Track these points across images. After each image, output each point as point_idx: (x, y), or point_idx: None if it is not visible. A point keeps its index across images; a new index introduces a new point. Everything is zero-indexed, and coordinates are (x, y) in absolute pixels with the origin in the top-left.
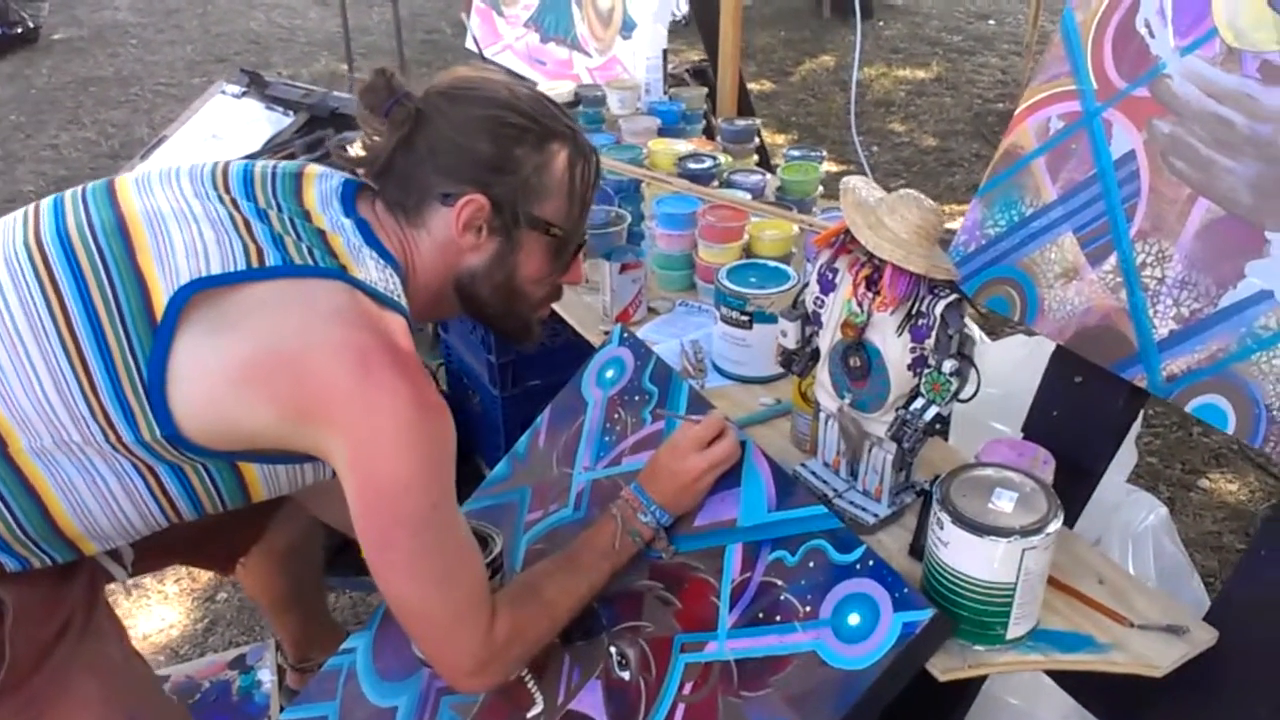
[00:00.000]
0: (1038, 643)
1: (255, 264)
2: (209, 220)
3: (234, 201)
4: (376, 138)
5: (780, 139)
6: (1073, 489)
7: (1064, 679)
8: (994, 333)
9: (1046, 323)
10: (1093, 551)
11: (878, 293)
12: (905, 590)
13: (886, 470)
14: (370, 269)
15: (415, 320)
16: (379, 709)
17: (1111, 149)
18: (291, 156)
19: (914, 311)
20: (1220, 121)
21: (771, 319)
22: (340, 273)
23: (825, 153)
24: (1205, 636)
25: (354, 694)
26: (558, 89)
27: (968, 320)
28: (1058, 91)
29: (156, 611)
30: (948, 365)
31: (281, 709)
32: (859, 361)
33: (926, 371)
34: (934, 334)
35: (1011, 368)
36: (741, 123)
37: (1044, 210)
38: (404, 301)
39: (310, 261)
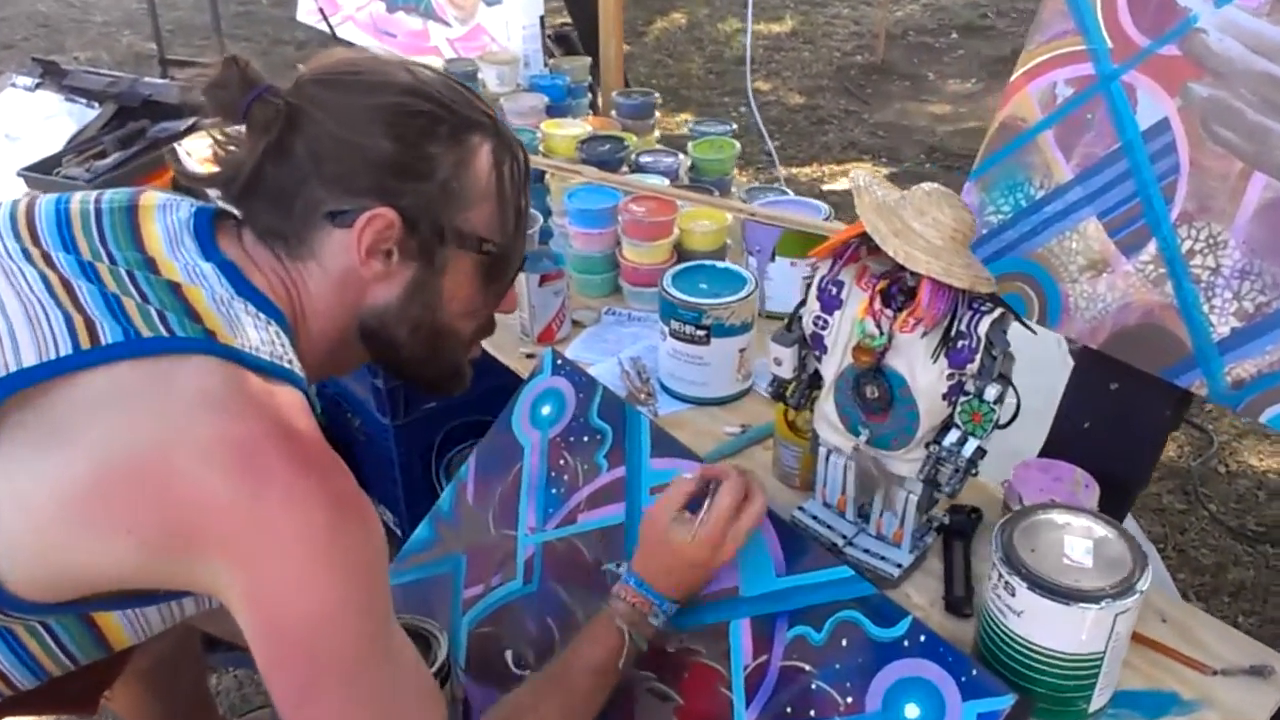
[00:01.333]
0: (1120, 710)
1: (86, 344)
2: (13, 290)
3: (46, 256)
4: (233, 148)
5: None
6: (1109, 512)
7: None
8: None
9: (1074, 323)
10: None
11: (900, 309)
12: (974, 672)
13: (910, 512)
14: (247, 329)
15: (310, 382)
16: None
17: (1138, 118)
18: (103, 155)
19: (952, 332)
20: (1271, 81)
21: (732, 331)
22: (207, 342)
23: (732, 126)
24: None
25: None
26: (421, 63)
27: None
28: (1063, 53)
29: None
30: (991, 391)
31: None
32: (877, 392)
33: (964, 400)
34: (978, 358)
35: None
36: (639, 96)
37: (1059, 192)
38: (296, 366)
39: (163, 331)
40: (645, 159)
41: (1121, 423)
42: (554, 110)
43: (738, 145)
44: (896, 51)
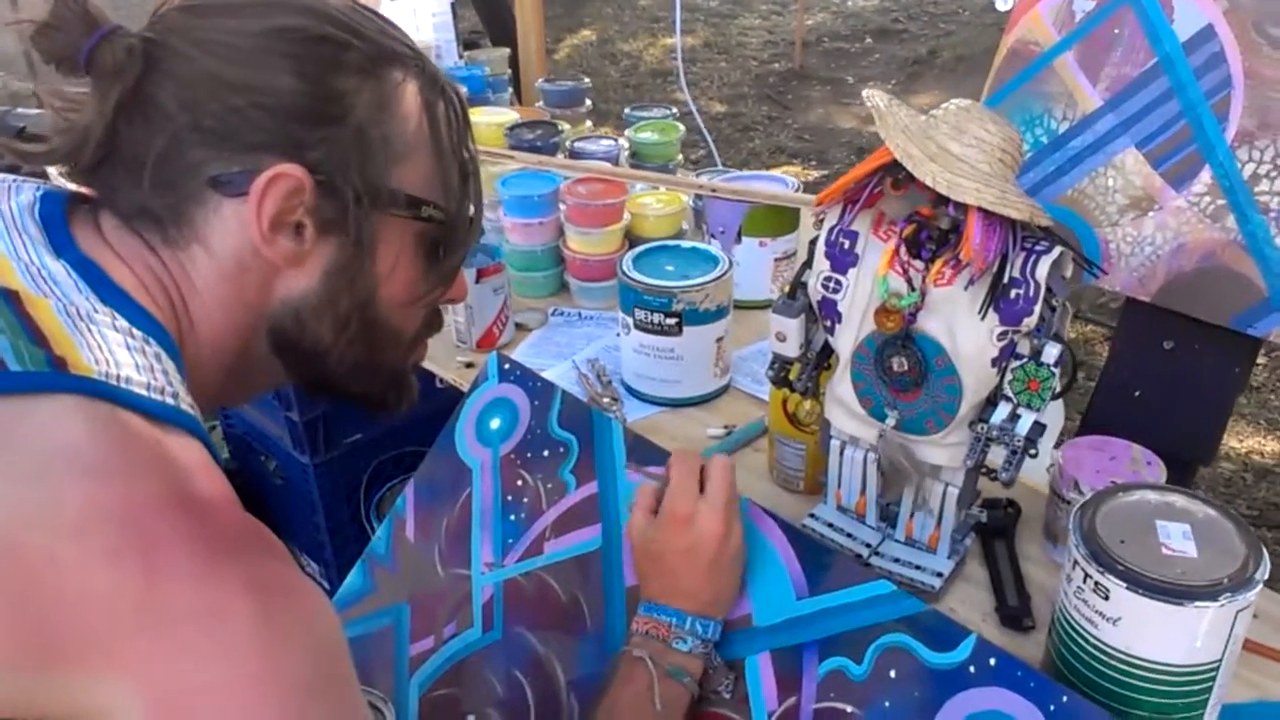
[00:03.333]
0: None
1: None
2: None
3: None
4: (73, 114)
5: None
6: None
7: None
8: None
9: (1119, 274)
10: None
11: (932, 259)
12: (1064, 699)
13: (949, 510)
14: (116, 352)
15: (205, 415)
16: None
17: (1175, 27)
18: None
19: (1004, 279)
20: None
21: (707, 318)
22: (60, 377)
23: (674, 109)
24: None
25: None
26: None
27: None
28: None
29: None
30: (1050, 351)
31: None
32: (906, 364)
33: (1017, 365)
34: (1037, 309)
35: None
36: (568, 83)
37: (1087, 122)
38: (185, 400)
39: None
40: (581, 144)
41: (1180, 387)
42: (473, 102)
43: (681, 128)
44: (813, 58)
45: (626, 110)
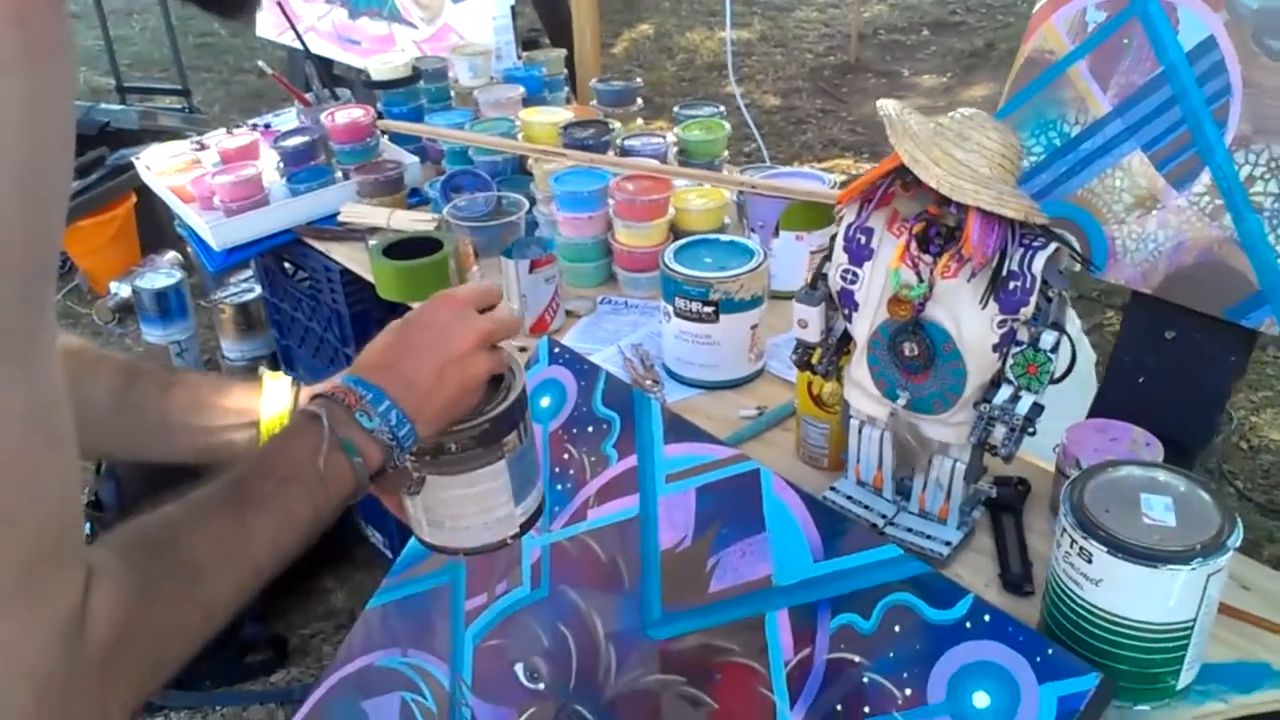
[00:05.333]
0: (1209, 685)
1: None
2: None
3: None
4: None
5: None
6: None
7: None
8: None
9: (1122, 268)
10: None
11: (940, 253)
12: (1050, 650)
13: (956, 484)
14: None
15: None
16: None
17: (1181, 38)
18: None
19: (1004, 272)
20: None
21: (742, 306)
22: None
23: (721, 107)
24: None
25: None
26: (391, 62)
27: None
28: None
29: None
30: (1047, 338)
31: None
32: (916, 349)
33: (1017, 350)
34: (1033, 300)
35: None
36: (620, 82)
37: (1097, 126)
38: None
39: None
40: (631, 142)
41: (1181, 374)
42: (530, 102)
43: (728, 126)
44: (869, 50)
45: (676, 108)
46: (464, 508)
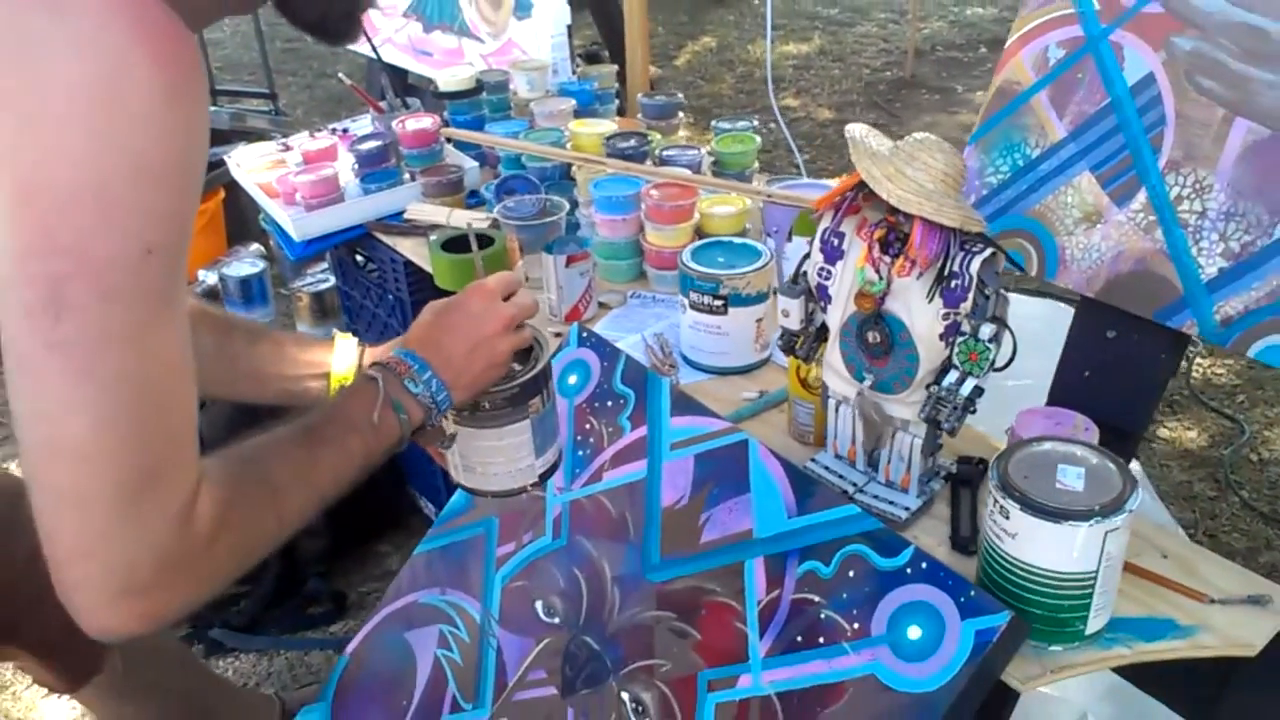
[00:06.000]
0: (1118, 634)
1: None
2: None
3: None
4: None
5: None
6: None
7: (1134, 672)
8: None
9: (1070, 274)
10: (1148, 524)
11: (897, 256)
12: (971, 592)
13: (915, 457)
14: None
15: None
16: None
17: (1126, 74)
18: None
19: (946, 272)
20: (1251, 31)
21: (749, 301)
22: None
23: (755, 121)
24: None
25: None
26: (457, 75)
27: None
28: (1054, 17)
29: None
30: (986, 330)
31: None
32: (878, 337)
33: (961, 340)
34: (970, 296)
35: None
36: (663, 97)
37: (1053, 150)
38: None
39: None
40: (668, 153)
41: (1120, 369)
42: (581, 114)
43: (758, 139)
44: (925, 66)
45: (714, 121)
46: (493, 457)
